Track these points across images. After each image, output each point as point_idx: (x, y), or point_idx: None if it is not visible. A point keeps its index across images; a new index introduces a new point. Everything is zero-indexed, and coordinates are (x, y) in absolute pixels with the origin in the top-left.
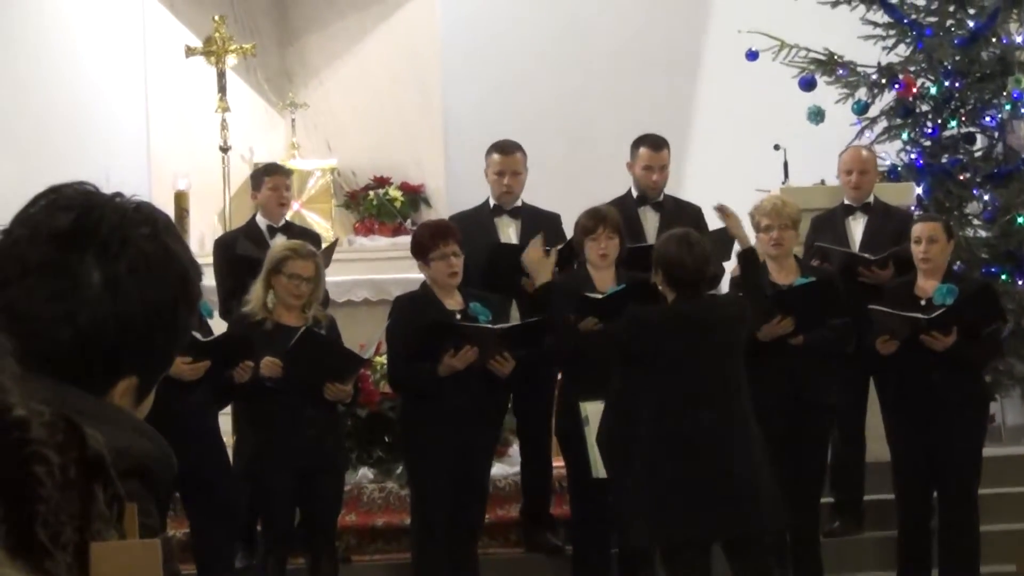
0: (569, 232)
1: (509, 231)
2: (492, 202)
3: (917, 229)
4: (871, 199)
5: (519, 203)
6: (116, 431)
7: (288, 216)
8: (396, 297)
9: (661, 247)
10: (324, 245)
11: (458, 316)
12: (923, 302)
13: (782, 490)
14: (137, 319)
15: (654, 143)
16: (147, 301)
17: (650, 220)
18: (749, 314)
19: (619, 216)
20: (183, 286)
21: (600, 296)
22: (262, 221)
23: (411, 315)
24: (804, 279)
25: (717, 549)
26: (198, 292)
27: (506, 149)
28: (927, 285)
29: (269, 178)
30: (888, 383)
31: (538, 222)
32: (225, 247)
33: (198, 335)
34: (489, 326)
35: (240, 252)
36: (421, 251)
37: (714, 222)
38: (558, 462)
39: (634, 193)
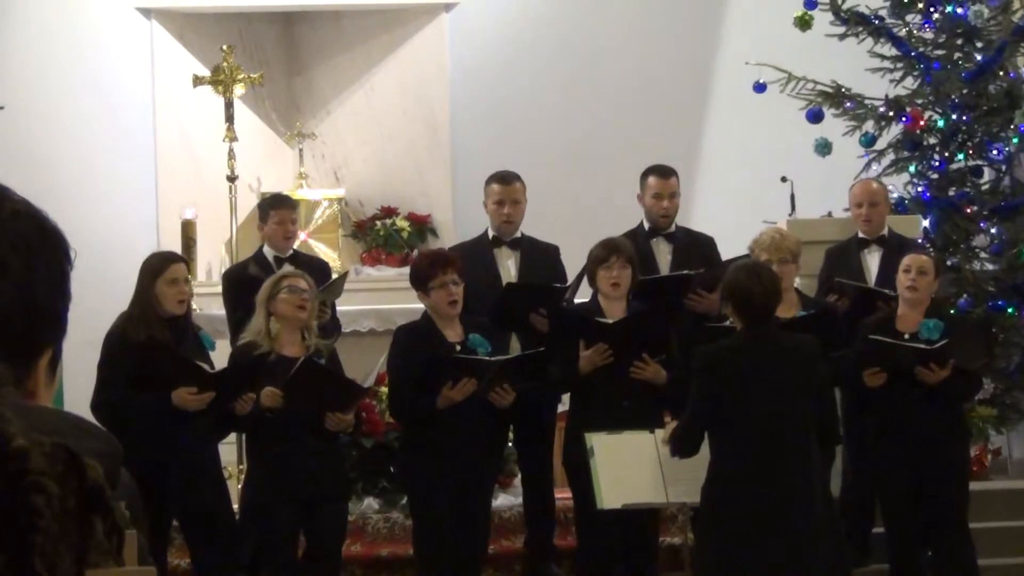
0: (568, 264)
1: (508, 263)
2: (491, 233)
3: (908, 260)
4: (885, 232)
5: (518, 234)
6: (65, 434)
7: (296, 245)
8: (397, 328)
9: (729, 277)
10: (334, 275)
11: (458, 348)
12: (906, 336)
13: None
14: (38, 294)
15: (662, 172)
16: (41, 274)
17: (663, 251)
18: (820, 359)
19: (632, 247)
20: (63, 247)
21: (610, 321)
22: (269, 252)
23: (411, 346)
24: (804, 312)
25: None
26: (69, 245)
27: (506, 179)
28: (909, 319)
29: (275, 211)
30: (873, 417)
31: (537, 254)
32: (234, 278)
33: (205, 366)
34: (488, 359)
35: (252, 273)
36: (420, 280)
37: (728, 253)
38: (562, 493)
39: (646, 225)
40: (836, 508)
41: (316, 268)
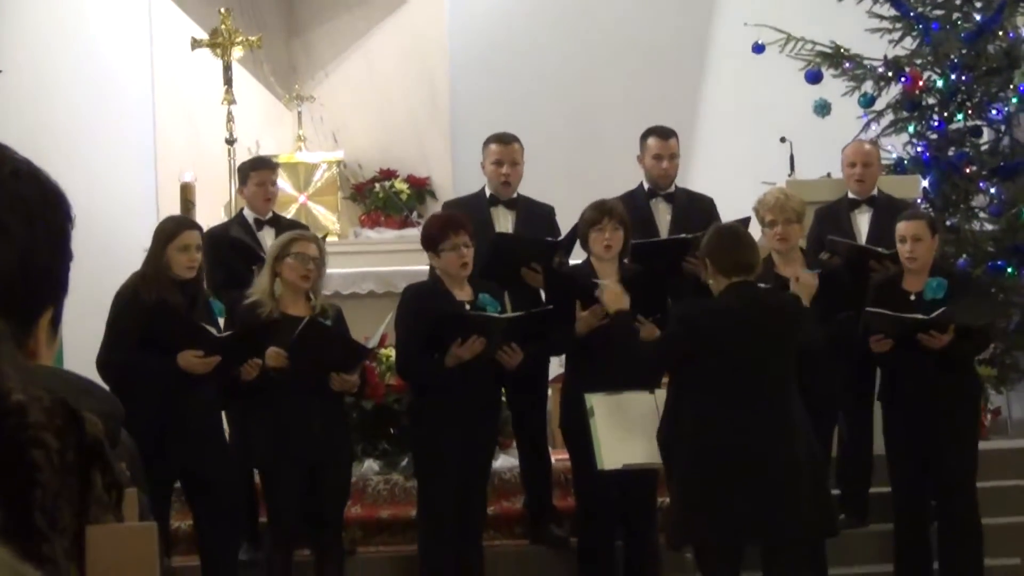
0: (564, 225)
1: (505, 222)
2: (488, 192)
3: (901, 228)
4: (875, 192)
5: (515, 195)
6: (67, 393)
7: (294, 209)
8: (406, 287)
9: (708, 239)
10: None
11: (467, 307)
12: (912, 297)
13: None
14: (39, 254)
15: (662, 133)
16: (41, 234)
17: (662, 212)
18: (804, 317)
19: (624, 209)
20: (63, 207)
21: (607, 283)
22: (249, 215)
23: (420, 305)
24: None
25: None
26: (70, 204)
27: (504, 139)
28: (914, 280)
29: (255, 173)
30: (883, 379)
31: (533, 214)
32: (215, 239)
33: (212, 330)
34: (497, 316)
35: (234, 235)
36: (431, 242)
37: (727, 214)
38: (559, 454)
39: (645, 186)
40: (833, 469)
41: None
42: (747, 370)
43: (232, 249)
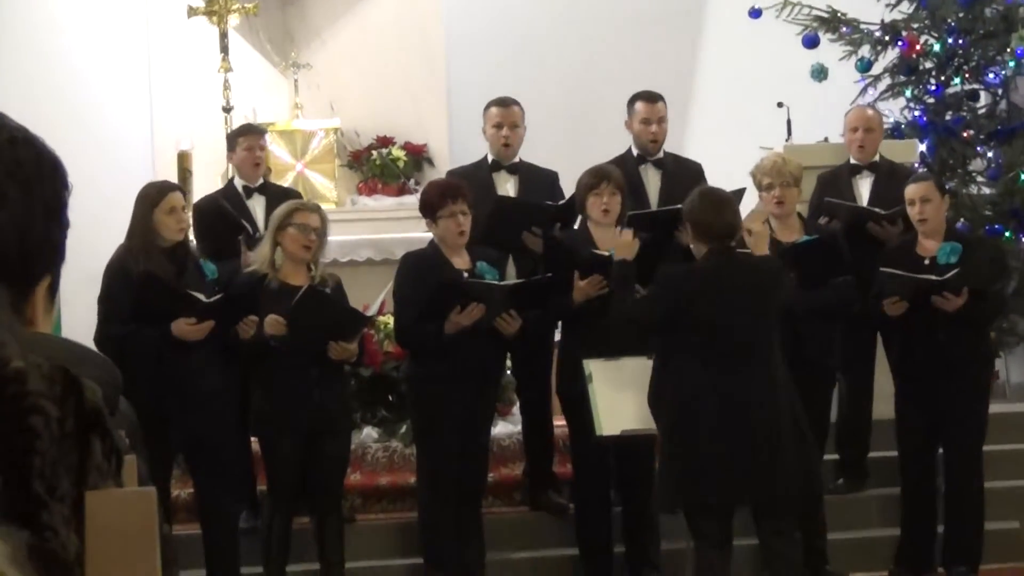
0: (568, 190)
1: (507, 187)
2: (490, 158)
3: (909, 191)
4: (877, 158)
5: (517, 159)
6: (65, 360)
7: (291, 177)
8: (404, 255)
9: (689, 203)
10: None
11: (465, 275)
12: (926, 261)
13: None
14: (36, 221)
15: (649, 97)
16: (38, 202)
17: (651, 178)
18: (785, 278)
19: (622, 175)
20: (60, 175)
21: (608, 253)
22: (239, 183)
23: (419, 273)
24: (808, 237)
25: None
26: (66, 172)
27: (504, 102)
28: (928, 244)
29: (243, 138)
30: (894, 343)
31: (536, 179)
32: (202, 211)
33: (200, 296)
34: (496, 283)
35: (222, 205)
36: (430, 209)
37: (715, 181)
38: (560, 421)
39: (634, 152)
40: (829, 433)
41: (287, 199)
42: (729, 332)
43: (219, 218)
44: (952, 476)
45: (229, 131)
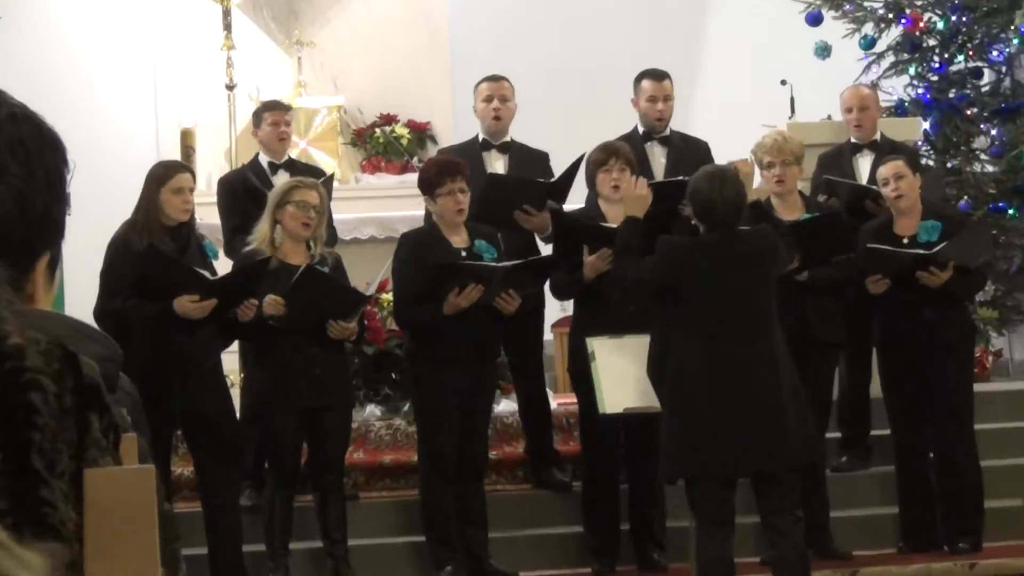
0: (557, 170)
1: (497, 166)
2: (481, 137)
3: (882, 171)
4: (878, 136)
5: (508, 138)
6: (65, 337)
7: (294, 154)
8: (402, 235)
9: (693, 183)
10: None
11: (463, 254)
12: (905, 240)
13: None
14: (36, 197)
15: (656, 75)
16: (39, 177)
17: (657, 156)
18: (783, 249)
19: (630, 150)
20: (61, 151)
21: (615, 227)
22: (264, 159)
23: (417, 253)
24: (809, 215)
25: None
26: (66, 148)
27: (493, 77)
28: (905, 223)
29: (269, 114)
30: (879, 321)
31: (527, 158)
32: (230, 185)
33: (206, 273)
34: (494, 264)
35: (248, 181)
36: (428, 187)
37: (721, 158)
38: (563, 399)
39: (640, 129)
40: (832, 411)
41: (312, 176)
42: (729, 304)
43: (247, 194)
44: (944, 452)
45: (255, 108)
